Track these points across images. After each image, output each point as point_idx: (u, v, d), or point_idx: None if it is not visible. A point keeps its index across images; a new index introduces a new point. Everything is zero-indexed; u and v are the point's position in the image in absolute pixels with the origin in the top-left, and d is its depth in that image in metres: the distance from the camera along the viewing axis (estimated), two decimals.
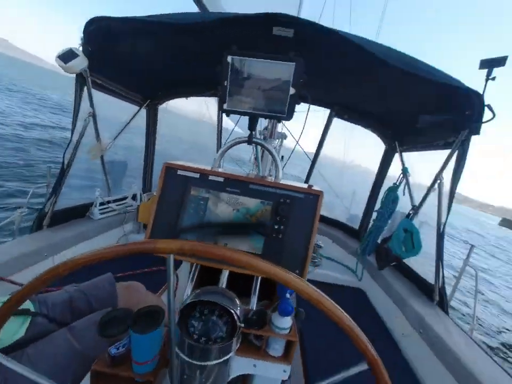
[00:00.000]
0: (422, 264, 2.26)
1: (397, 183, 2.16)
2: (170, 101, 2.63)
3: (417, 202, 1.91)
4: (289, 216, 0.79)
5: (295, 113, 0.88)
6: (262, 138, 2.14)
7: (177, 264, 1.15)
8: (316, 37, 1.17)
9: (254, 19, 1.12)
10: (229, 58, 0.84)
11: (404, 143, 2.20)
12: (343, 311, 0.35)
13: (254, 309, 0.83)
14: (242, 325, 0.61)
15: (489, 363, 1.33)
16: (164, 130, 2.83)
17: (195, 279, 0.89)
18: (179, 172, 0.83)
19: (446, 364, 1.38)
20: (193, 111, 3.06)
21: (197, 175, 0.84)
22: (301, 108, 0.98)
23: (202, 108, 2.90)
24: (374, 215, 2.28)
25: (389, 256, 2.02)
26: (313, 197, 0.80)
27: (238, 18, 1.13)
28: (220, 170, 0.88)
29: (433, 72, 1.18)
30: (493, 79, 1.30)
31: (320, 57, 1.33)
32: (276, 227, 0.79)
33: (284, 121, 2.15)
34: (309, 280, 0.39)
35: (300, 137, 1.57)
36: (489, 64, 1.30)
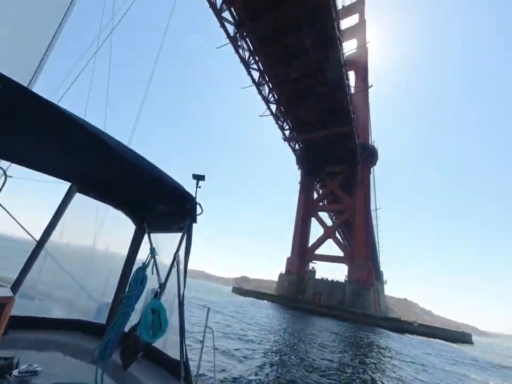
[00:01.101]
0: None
1: (145, 263, 2.12)
2: None
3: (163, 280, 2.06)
4: None
5: None
6: None
7: None
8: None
9: None
10: None
11: (151, 225, 2.36)
12: None
13: None
14: None
15: None
16: None
17: None
18: None
19: None
20: None
21: None
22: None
23: None
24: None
25: (138, 346, 1.87)
26: None
27: None
28: None
29: (163, 176, 1.56)
30: (200, 187, 1.88)
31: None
32: None
33: None
34: None
35: None
36: (197, 178, 1.92)
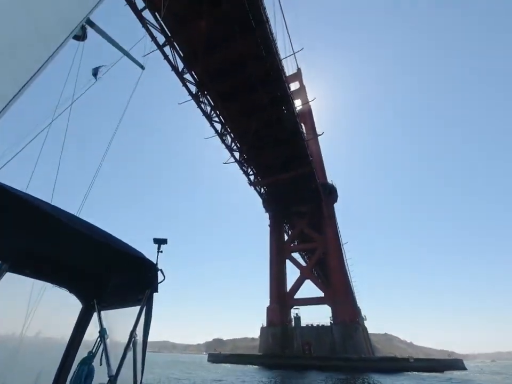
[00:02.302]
0: None
1: (93, 351, 1.77)
2: None
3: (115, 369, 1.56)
4: None
5: None
6: None
7: None
8: None
9: None
10: None
11: (103, 301, 2.02)
12: None
13: None
14: None
15: None
16: None
17: None
18: None
19: None
20: None
21: None
22: None
23: None
24: None
25: None
26: None
27: None
28: None
29: (118, 244, 1.44)
30: (161, 251, 1.78)
31: None
32: None
33: None
34: None
35: None
36: (158, 242, 1.82)
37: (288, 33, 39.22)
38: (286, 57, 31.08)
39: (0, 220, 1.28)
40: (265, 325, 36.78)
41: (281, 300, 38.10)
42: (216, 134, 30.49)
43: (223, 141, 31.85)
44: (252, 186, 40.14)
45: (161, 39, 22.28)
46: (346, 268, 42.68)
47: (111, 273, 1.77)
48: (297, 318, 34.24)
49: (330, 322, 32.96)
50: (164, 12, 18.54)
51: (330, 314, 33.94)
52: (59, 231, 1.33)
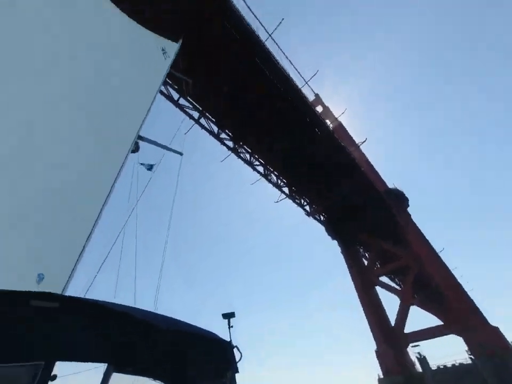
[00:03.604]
0: None
1: None
2: None
3: None
4: None
5: None
6: None
7: None
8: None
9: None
10: None
11: None
12: None
13: None
14: None
15: None
16: None
17: None
18: None
19: None
20: None
21: None
22: None
23: None
24: None
25: None
26: None
27: None
28: None
29: (197, 330, 1.64)
30: (232, 327, 1.96)
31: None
32: None
33: None
34: None
35: None
36: (227, 316, 2.07)
37: (293, 65, 41.49)
38: (303, 85, 32.13)
39: (106, 330, 1.52)
40: (380, 375, 30.02)
41: (390, 338, 31.46)
42: (261, 177, 30.92)
43: (269, 181, 31.96)
44: (310, 217, 38.09)
45: (195, 113, 25.30)
46: (457, 280, 34.50)
47: (195, 359, 1.86)
48: (423, 359, 27.09)
49: (470, 357, 25.18)
50: (190, 92, 21.70)
51: (455, 347, 26.23)
52: (150, 332, 1.56)
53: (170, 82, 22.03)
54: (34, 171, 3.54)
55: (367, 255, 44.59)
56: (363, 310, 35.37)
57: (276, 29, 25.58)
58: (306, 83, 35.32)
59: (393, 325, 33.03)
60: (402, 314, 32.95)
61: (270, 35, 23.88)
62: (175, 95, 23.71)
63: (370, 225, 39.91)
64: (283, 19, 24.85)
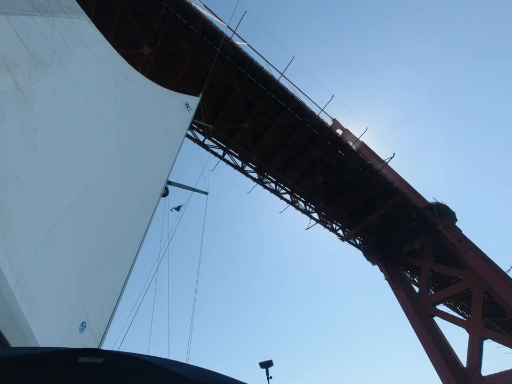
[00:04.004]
0: None
1: None
2: None
3: None
4: None
5: None
6: None
7: None
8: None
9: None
10: None
11: None
12: None
13: None
14: None
15: None
16: None
17: None
18: None
19: None
20: None
21: None
22: None
23: None
24: None
25: None
26: None
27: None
28: None
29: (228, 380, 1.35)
30: (271, 377, 2.88)
31: None
32: None
33: None
34: None
35: None
36: (265, 366, 3.07)
37: (304, 94, 42.31)
38: (321, 111, 32.12)
39: None
40: None
41: (463, 382, 26.16)
42: (288, 204, 30.03)
43: (297, 208, 30.88)
44: (345, 241, 35.54)
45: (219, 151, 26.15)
46: None
47: None
48: None
49: None
50: (211, 136, 23.21)
51: None
52: None
53: (196, 127, 23.32)
54: (88, 228, 3.88)
55: (414, 279, 39.82)
56: (424, 347, 30.48)
57: (286, 68, 26.62)
58: (322, 110, 35.58)
59: (465, 365, 27.71)
60: (475, 351, 27.64)
61: (282, 74, 24.74)
62: (201, 137, 25.02)
63: (416, 250, 36.14)
64: (294, 57, 25.70)
